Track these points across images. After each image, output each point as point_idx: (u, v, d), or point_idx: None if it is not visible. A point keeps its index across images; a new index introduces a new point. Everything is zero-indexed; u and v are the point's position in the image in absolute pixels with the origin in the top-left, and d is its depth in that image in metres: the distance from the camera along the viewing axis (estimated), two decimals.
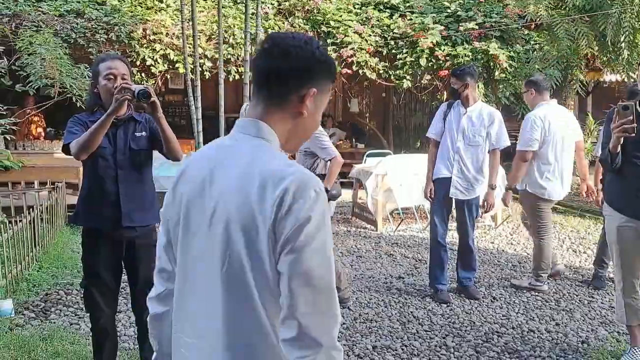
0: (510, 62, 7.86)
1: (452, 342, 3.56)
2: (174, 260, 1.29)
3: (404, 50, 8.01)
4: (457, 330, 3.75)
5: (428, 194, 4.36)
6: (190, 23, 6.99)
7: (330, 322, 1.11)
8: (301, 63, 1.19)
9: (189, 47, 7.08)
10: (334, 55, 7.83)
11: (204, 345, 1.19)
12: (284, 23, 8.01)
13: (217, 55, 7.38)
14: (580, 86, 8.61)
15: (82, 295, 2.79)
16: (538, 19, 8.10)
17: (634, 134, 2.72)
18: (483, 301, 4.28)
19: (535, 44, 8.19)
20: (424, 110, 11.05)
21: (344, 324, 3.77)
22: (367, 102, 11.73)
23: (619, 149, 2.86)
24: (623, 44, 7.79)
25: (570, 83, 8.69)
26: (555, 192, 4.36)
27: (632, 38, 7.89)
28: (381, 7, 8.82)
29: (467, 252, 4.35)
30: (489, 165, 4.25)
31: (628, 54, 7.82)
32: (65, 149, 2.58)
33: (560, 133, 4.29)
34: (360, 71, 7.97)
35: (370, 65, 7.96)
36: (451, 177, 4.21)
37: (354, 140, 10.33)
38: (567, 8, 8.30)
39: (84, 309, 2.92)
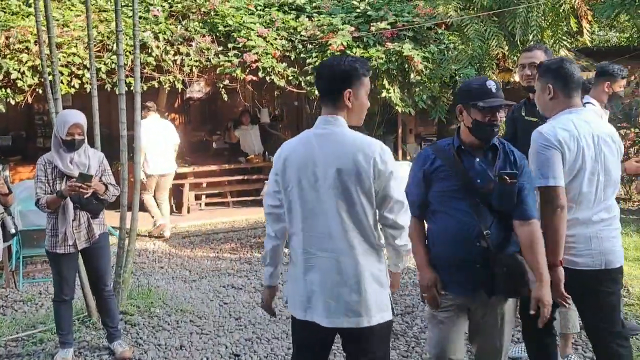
0: (426, 63, 7.47)
1: None
2: (282, 209, 2.28)
3: (314, 54, 7.37)
4: None
5: None
6: (48, 30, 5.92)
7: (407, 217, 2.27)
8: (338, 75, 2.21)
9: (47, 58, 6.01)
10: (236, 61, 7.05)
11: (331, 255, 2.18)
12: (176, 27, 7.11)
13: (99, 65, 6.37)
14: None
15: None
16: (448, 19, 7.81)
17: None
18: None
19: (450, 43, 7.88)
20: None
21: None
22: (279, 111, 11.01)
23: None
24: (532, 43, 7.65)
25: None
26: (156, 171, 6.88)
27: (540, 37, 7.77)
28: (286, 8, 8.16)
29: None
30: None
31: None
32: None
33: (156, 133, 6.78)
34: (268, 78, 7.23)
35: (278, 71, 7.24)
36: None
37: (266, 153, 9.53)
38: (475, 8, 8.08)
39: None
